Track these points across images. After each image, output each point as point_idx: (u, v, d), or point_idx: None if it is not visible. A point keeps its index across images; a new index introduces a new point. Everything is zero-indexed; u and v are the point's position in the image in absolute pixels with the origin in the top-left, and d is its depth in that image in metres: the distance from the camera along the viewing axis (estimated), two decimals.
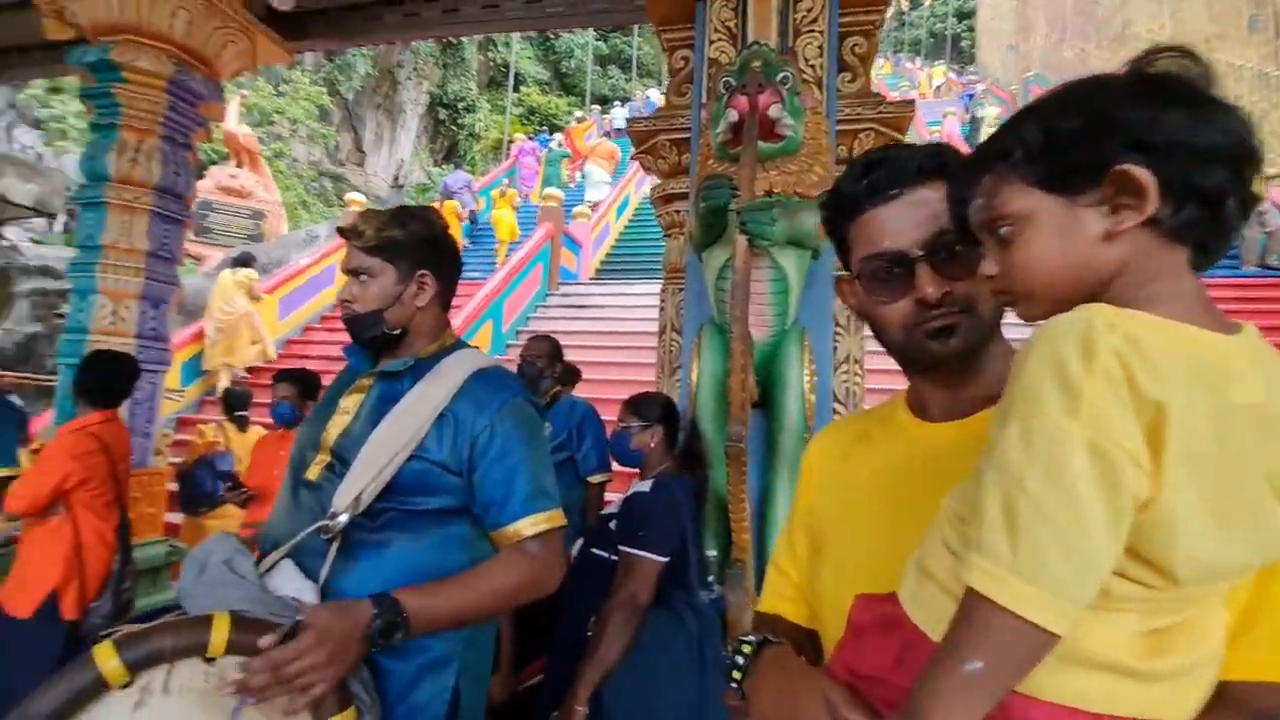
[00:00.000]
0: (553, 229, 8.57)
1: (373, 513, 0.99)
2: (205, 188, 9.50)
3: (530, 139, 15.32)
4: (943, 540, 0.53)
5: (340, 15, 4.03)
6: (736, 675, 0.66)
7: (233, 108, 10.12)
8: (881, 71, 21.48)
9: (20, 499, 2.25)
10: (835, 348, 2.04)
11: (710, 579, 1.68)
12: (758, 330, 1.68)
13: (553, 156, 12.70)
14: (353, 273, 1.10)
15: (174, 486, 3.84)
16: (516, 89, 20.17)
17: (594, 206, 10.73)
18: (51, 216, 9.85)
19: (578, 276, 9.15)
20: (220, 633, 0.81)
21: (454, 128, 20.37)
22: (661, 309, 2.48)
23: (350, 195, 9.15)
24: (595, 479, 2.49)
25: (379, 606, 0.90)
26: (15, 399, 3.94)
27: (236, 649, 0.82)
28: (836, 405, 1.99)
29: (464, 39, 19.87)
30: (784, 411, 1.68)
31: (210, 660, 0.82)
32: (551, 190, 9.25)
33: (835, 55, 2.08)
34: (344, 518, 0.96)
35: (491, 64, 21.52)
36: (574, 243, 9.16)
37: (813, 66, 1.98)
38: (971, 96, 16.92)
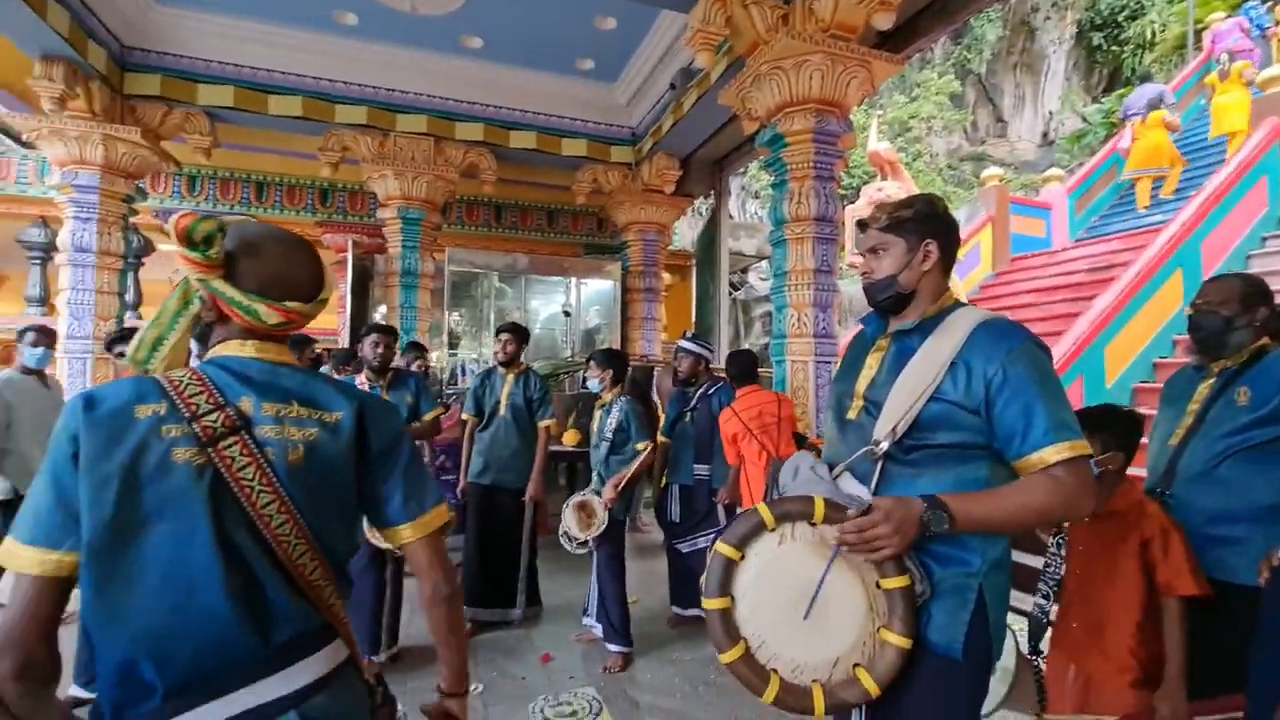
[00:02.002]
0: None
1: (905, 448, 1.20)
2: (860, 208, 11.04)
3: (1230, 15, 11.01)
4: None
5: (940, 2, 4.11)
6: None
7: (873, 129, 11.40)
8: None
9: (727, 453, 3.43)
10: None
11: None
12: None
13: None
14: (871, 251, 1.33)
15: None
16: None
17: None
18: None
19: None
20: (820, 507, 1.18)
21: (1114, 48, 16.75)
22: None
23: (986, 173, 8.81)
24: None
25: (928, 501, 1.12)
26: None
27: (829, 520, 1.18)
28: None
29: None
30: None
31: (813, 525, 1.20)
32: (1276, 71, 6.40)
33: None
34: (885, 444, 1.19)
35: None
36: None
37: None
38: None
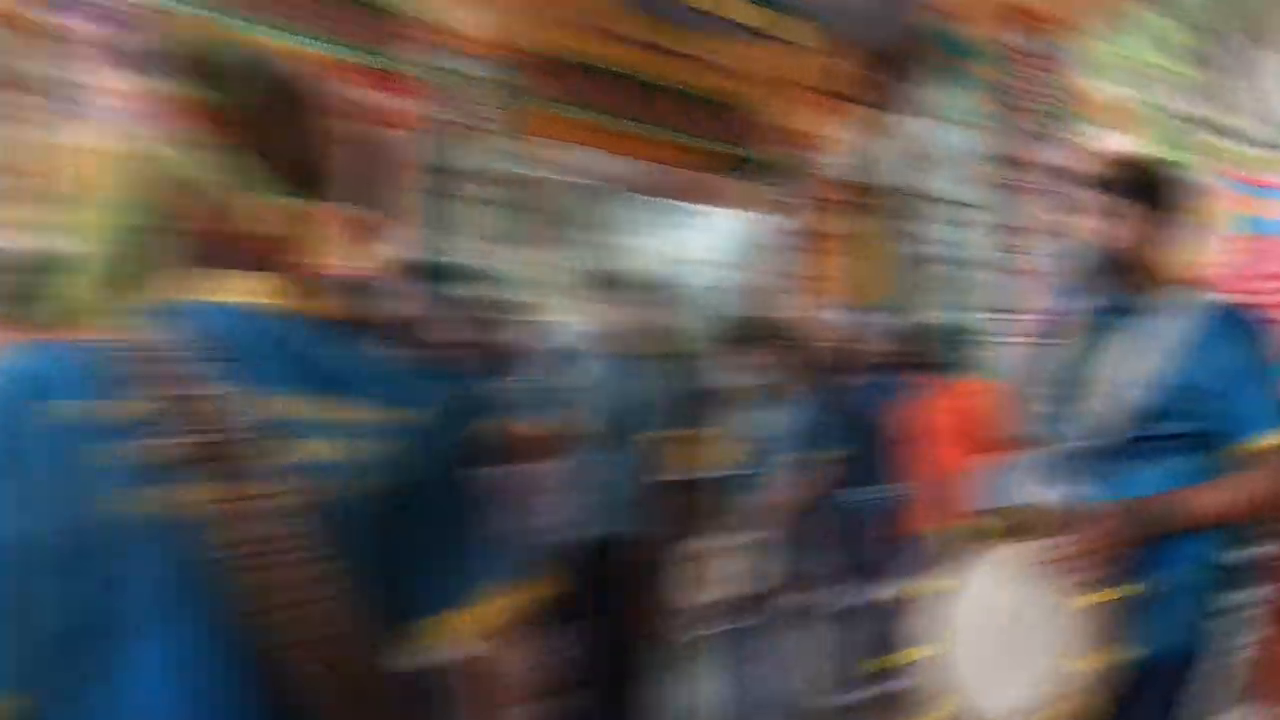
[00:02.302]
0: None
1: (1128, 440, 1.15)
2: (1083, 161, 9.30)
3: None
4: None
5: None
6: None
7: (1090, 67, 9.55)
8: None
9: (919, 462, 2.86)
10: None
11: None
12: None
13: None
14: (1101, 214, 1.23)
15: None
16: None
17: None
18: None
19: None
20: (1031, 520, 1.11)
21: None
22: None
23: (1220, 142, 7.07)
24: None
25: (1144, 502, 1.09)
26: None
27: (1045, 533, 1.09)
28: None
29: None
30: None
31: (1026, 540, 1.10)
32: None
33: None
34: (1106, 437, 1.14)
35: None
36: None
37: None
38: None
